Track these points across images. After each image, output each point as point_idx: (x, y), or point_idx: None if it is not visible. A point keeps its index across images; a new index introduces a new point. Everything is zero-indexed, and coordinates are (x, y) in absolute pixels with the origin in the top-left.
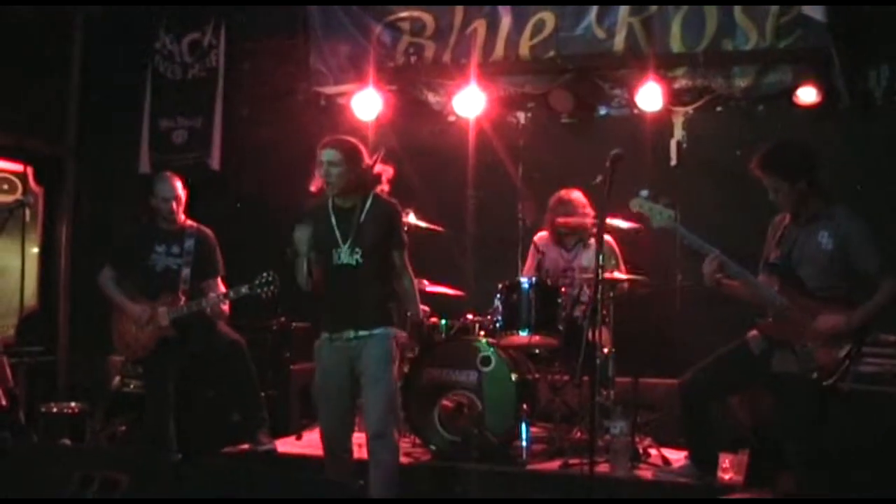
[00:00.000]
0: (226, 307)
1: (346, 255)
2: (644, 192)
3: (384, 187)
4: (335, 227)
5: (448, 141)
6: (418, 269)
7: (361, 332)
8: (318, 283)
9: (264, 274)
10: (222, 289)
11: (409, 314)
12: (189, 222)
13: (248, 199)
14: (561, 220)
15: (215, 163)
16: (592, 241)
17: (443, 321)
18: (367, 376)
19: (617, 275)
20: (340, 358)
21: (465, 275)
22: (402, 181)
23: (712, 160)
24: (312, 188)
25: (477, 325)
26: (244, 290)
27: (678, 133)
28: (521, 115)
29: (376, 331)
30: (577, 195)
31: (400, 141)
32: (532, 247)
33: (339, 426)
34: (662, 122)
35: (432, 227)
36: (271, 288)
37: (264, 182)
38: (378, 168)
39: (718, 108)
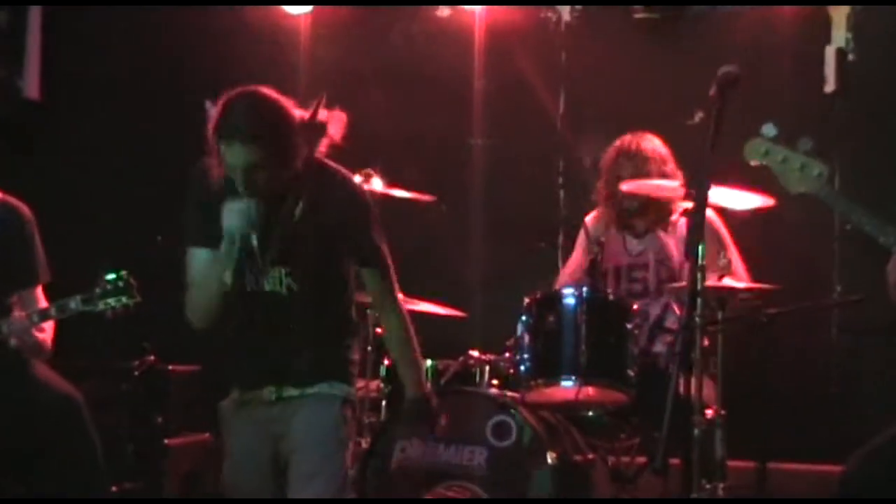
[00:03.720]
0: (46, 335)
1: (267, 277)
2: (770, 129)
3: (334, 138)
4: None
5: (439, 52)
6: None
7: (289, 392)
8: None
9: (111, 276)
10: (44, 303)
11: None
12: None
13: (93, 151)
14: (625, 188)
15: (32, 88)
16: (681, 220)
17: (428, 362)
18: (297, 464)
19: (729, 282)
20: (258, 433)
21: (468, 281)
22: (359, 122)
23: None
24: (213, 175)
25: (487, 369)
26: (74, 304)
27: (839, 38)
28: (565, 10)
29: (313, 388)
30: (649, 144)
31: (356, 52)
32: (582, 232)
33: None
34: (810, 20)
35: (412, 196)
36: (122, 300)
37: (119, 124)
38: (322, 115)
39: None
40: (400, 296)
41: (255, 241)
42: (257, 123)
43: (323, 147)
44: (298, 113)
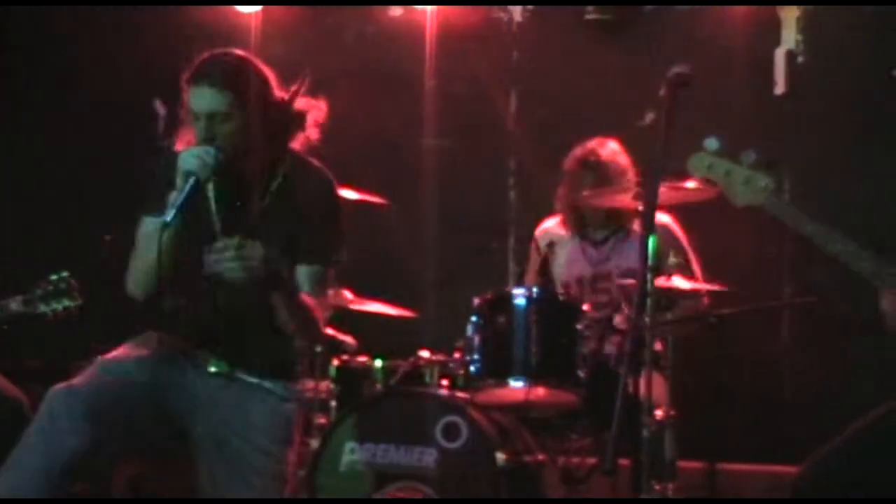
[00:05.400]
0: None
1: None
2: (712, 143)
3: (310, 134)
4: (212, 211)
5: (390, 52)
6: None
7: (245, 376)
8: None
9: (53, 277)
10: None
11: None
12: None
13: (39, 151)
14: (587, 198)
15: None
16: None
17: (378, 362)
18: (240, 456)
19: (679, 282)
20: (162, 393)
21: (418, 281)
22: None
23: (849, 87)
24: (178, 146)
25: (436, 370)
26: (14, 305)
27: (789, 39)
28: (517, 10)
29: (264, 382)
30: (610, 153)
31: (306, 51)
32: (532, 246)
33: None
34: (761, 20)
35: (363, 199)
36: (64, 303)
37: (67, 124)
38: (301, 102)
39: None
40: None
41: (216, 222)
42: (229, 71)
43: (299, 143)
44: (278, 91)
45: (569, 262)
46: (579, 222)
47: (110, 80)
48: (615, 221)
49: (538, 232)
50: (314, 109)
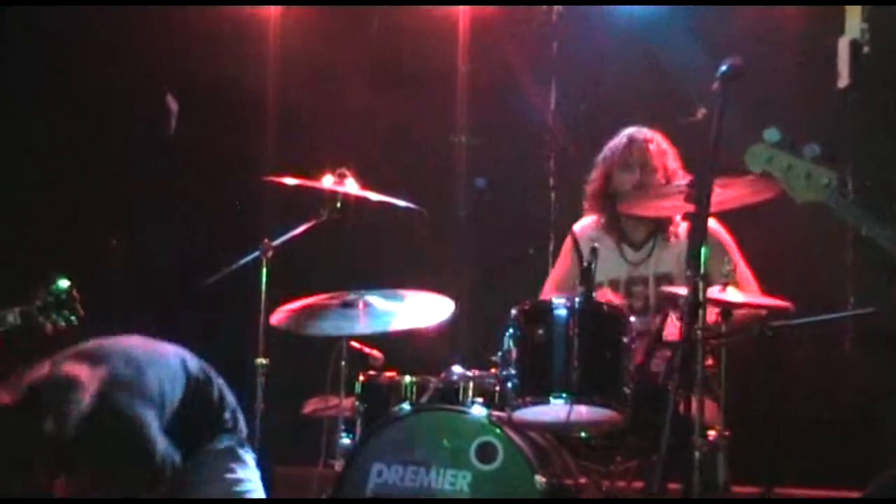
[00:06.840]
0: None
1: None
2: (773, 134)
3: None
4: None
5: (420, 46)
6: (363, 278)
7: None
8: None
9: (53, 288)
10: None
11: None
12: None
13: (48, 151)
14: (631, 205)
15: None
16: (681, 230)
17: (407, 378)
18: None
19: (734, 293)
20: None
21: (451, 291)
22: (334, 119)
23: None
24: None
25: (471, 386)
26: (11, 317)
27: (853, 28)
28: None
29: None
30: (653, 136)
31: (330, 44)
32: (568, 239)
33: None
34: (822, 9)
35: (388, 202)
36: (65, 315)
37: (77, 122)
38: None
39: None
40: None
41: None
42: None
43: None
44: None
45: (603, 262)
46: (616, 220)
47: (114, 79)
48: (654, 220)
49: (578, 232)
50: None
